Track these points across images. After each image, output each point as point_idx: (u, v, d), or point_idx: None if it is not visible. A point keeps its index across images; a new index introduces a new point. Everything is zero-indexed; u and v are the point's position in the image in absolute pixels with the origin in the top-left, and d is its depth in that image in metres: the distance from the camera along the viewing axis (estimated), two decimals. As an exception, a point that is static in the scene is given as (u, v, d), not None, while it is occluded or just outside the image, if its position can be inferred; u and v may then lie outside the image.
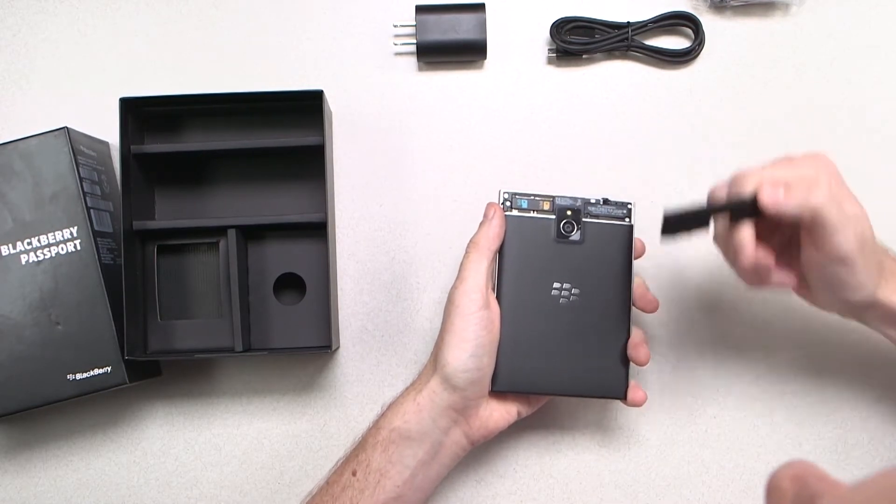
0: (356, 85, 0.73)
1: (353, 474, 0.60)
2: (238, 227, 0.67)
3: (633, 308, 0.63)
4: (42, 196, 0.64)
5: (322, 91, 0.66)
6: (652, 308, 0.63)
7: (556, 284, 0.62)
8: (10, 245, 0.64)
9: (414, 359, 0.71)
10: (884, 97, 0.72)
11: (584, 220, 0.63)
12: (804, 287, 0.59)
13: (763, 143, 0.72)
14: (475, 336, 0.59)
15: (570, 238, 0.62)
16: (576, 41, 0.71)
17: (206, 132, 0.70)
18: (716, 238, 0.59)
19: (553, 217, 0.62)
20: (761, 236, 0.55)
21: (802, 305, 0.61)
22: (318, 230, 0.68)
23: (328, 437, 0.71)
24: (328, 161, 0.68)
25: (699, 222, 0.56)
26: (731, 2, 0.71)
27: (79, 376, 0.63)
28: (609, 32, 0.71)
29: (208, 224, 0.68)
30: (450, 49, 0.71)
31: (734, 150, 0.72)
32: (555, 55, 0.72)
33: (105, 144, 0.71)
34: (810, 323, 0.71)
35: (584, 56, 0.72)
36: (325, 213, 0.66)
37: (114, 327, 0.64)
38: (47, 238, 0.64)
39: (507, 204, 0.62)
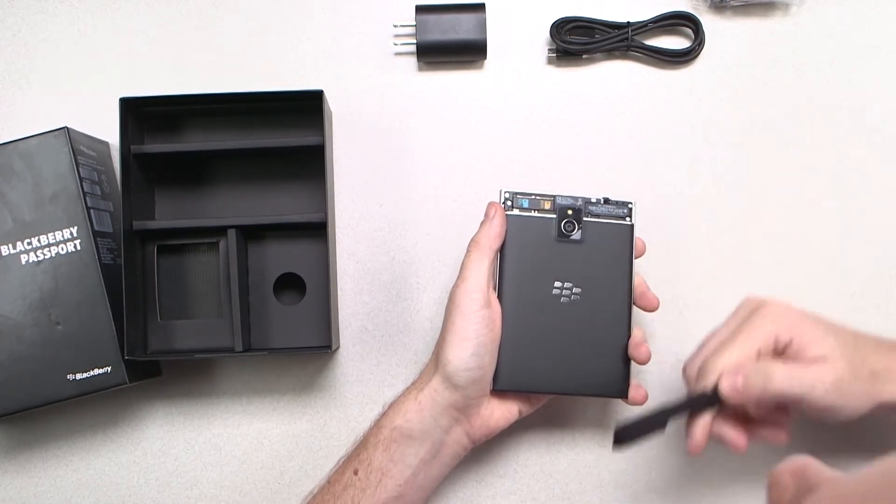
0: (356, 85, 0.73)
1: (355, 473, 0.60)
2: (238, 227, 0.67)
3: (634, 307, 0.63)
4: (42, 196, 0.64)
5: (322, 91, 0.66)
6: (653, 307, 0.64)
7: (557, 284, 0.62)
8: (10, 245, 0.64)
9: (414, 359, 0.71)
10: (884, 97, 0.72)
11: (584, 219, 0.63)
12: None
13: (763, 143, 0.72)
14: (476, 335, 0.59)
15: (571, 237, 0.62)
16: (576, 41, 0.71)
17: (206, 132, 0.70)
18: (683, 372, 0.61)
19: (554, 216, 0.62)
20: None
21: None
22: (318, 230, 0.68)
23: (328, 437, 0.71)
24: (328, 161, 0.68)
25: (656, 426, 0.56)
26: (731, 2, 0.72)
27: (79, 376, 0.63)
28: (609, 32, 0.71)
29: (208, 224, 0.68)
30: (450, 49, 0.71)
31: (734, 150, 0.72)
32: (555, 55, 0.72)
33: (105, 144, 0.71)
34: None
35: (584, 56, 0.72)
36: (325, 213, 0.66)
37: (114, 327, 0.64)
38: (47, 238, 0.64)
39: (509, 203, 0.62)
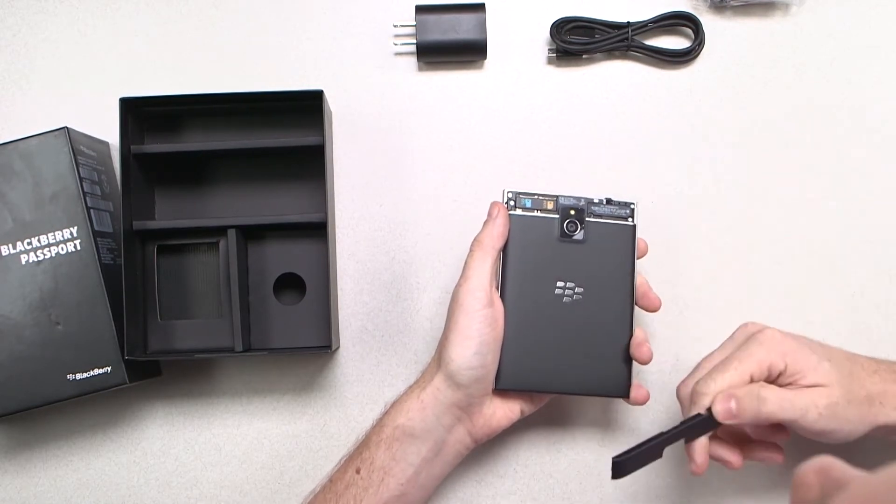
0: (356, 85, 0.73)
1: (357, 472, 0.60)
2: (238, 227, 0.67)
3: (636, 307, 0.63)
4: (42, 196, 0.64)
5: (322, 91, 0.66)
6: (654, 307, 0.64)
7: (559, 283, 0.62)
8: (10, 245, 0.64)
9: (414, 359, 0.71)
10: (884, 97, 0.72)
11: (587, 219, 0.63)
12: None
13: (763, 143, 0.72)
14: (479, 334, 0.59)
15: (574, 237, 0.62)
16: (576, 41, 0.71)
17: (206, 132, 0.70)
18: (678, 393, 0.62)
19: (556, 216, 0.62)
20: None
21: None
22: (318, 230, 0.68)
23: (328, 437, 0.71)
24: (328, 161, 0.68)
25: (652, 455, 0.56)
26: (731, 2, 0.72)
27: (79, 376, 0.63)
28: (609, 32, 0.71)
29: (208, 224, 0.68)
30: (450, 49, 0.71)
31: (734, 150, 0.72)
32: (555, 55, 0.72)
33: (105, 144, 0.71)
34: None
35: (584, 56, 0.72)
36: (325, 213, 0.66)
37: (114, 327, 0.64)
38: (47, 238, 0.64)
39: (511, 203, 0.62)
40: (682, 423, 0.57)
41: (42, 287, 0.63)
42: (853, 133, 0.72)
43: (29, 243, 0.63)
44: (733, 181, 0.72)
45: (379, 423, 0.62)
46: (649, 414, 0.70)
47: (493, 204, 0.62)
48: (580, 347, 0.62)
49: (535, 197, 0.62)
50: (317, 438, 0.71)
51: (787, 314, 0.70)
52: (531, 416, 0.65)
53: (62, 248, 0.64)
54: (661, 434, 0.56)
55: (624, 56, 0.73)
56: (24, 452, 0.70)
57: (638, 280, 0.63)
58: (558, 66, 0.73)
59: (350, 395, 0.71)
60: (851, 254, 0.71)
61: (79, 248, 0.64)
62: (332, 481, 0.62)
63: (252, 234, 0.69)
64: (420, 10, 0.71)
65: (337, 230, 0.71)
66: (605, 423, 0.71)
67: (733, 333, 0.62)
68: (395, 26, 0.72)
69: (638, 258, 0.63)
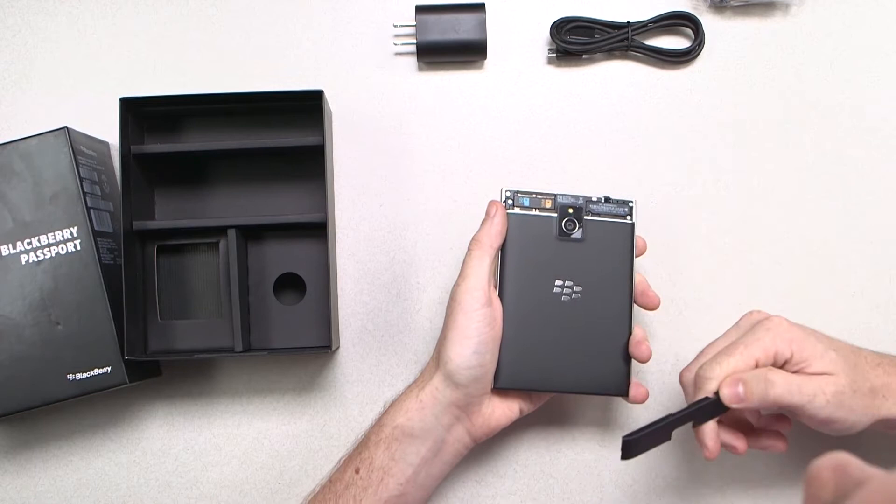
0: (356, 85, 0.73)
1: (357, 472, 0.60)
2: (238, 227, 0.67)
3: (635, 305, 0.63)
4: (42, 196, 0.64)
5: (322, 91, 0.66)
6: (653, 305, 0.64)
7: (557, 282, 0.62)
8: (10, 245, 0.64)
9: (414, 359, 0.71)
10: (884, 97, 0.72)
11: (585, 217, 0.63)
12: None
13: (763, 143, 0.72)
14: (478, 333, 0.59)
15: (572, 236, 0.62)
16: (576, 41, 0.71)
17: (206, 132, 0.70)
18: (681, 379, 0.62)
19: (555, 215, 0.62)
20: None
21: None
22: (318, 230, 0.68)
23: (328, 437, 0.71)
24: (328, 161, 0.68)
25: (661, 437, 0.56)
26: (731, 2, 0.72)
27: (79, 376, 0.63)
28: (609, 32, 0.71)
29: (208, 224, 0.68)
30: (450, 49, 0.71)
31: (734, 149, 0.72)
32: (555, 55, 0.72)
33: (105, 144, 0.71)
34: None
35: (584, 56, 0.72)
36: (325, 213, 0.66)
37: (114, 327, 0.64)
38: (47, 238, 0.64)
39: (510, 202, 0.62)
40: (689, 406, 0.57)
41: (42, 287, 0.63)
42: (853, 133, 0.72)
43: (29, 243, 0.64)
44: (733, 181, 0.72)
45: (378, 423, 0.62)
46: (649, 413, 0.70)
47: (492, 203, 0.62)
48: (579, 346, 0.62)
49: (534, 195, 0.62)
50: (317, 438, 0.71)
51: (787, 314, 0.70)
52: (531, 416, 0.65)
53: (62, 248, 0.64)
54: (669, 416, 0.55)
55: (624, 56, 0.73)
56: (24, 452, 0.70)
57: (637, 278, 0.63)
58: (558, 66, 0.73)
59: (350, 395, 0.71)
60: (851, 254, 0.71)
61: (79, 248, 0.64)
62: (331, 481, 0.62)
63: (252, 234, 0.69)
64: (420, 10, 0.71)
65: (337, 230, 0.71)
66: (605, 423, 0.71)
67: (738, 321, 0.61)
68: (395, 26, 0.72)
69: (637, 256, 0.63)
